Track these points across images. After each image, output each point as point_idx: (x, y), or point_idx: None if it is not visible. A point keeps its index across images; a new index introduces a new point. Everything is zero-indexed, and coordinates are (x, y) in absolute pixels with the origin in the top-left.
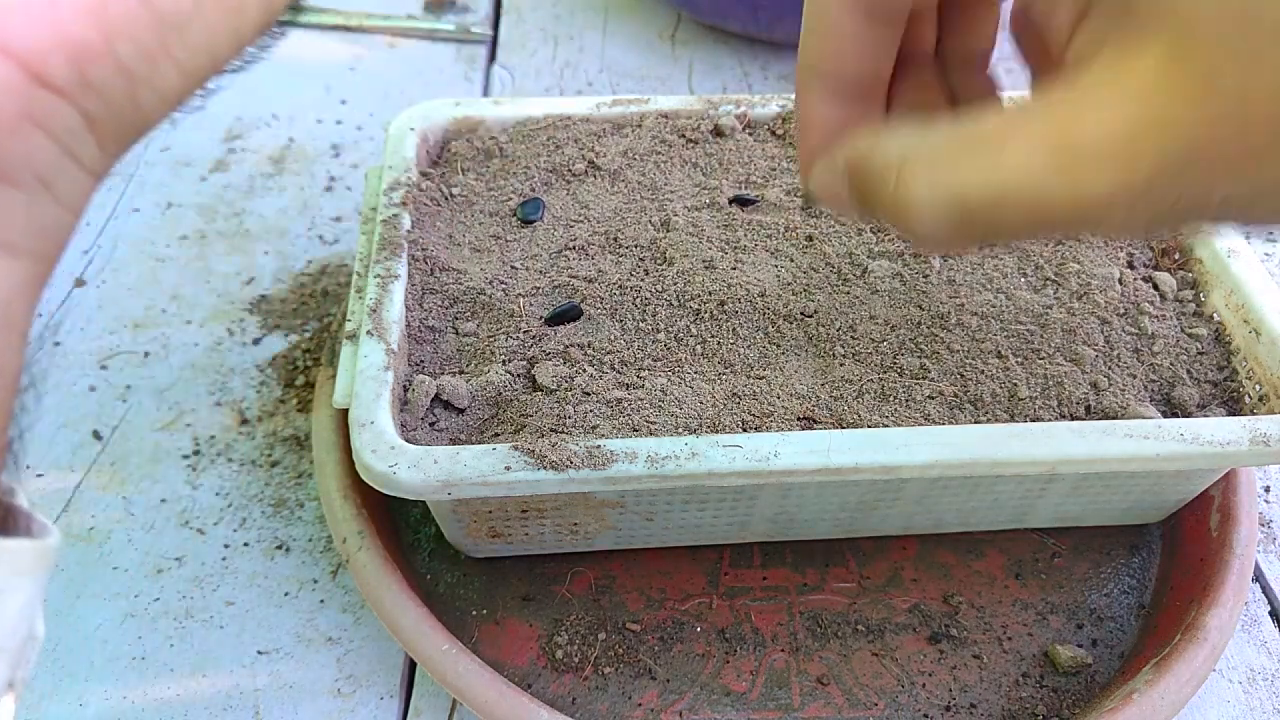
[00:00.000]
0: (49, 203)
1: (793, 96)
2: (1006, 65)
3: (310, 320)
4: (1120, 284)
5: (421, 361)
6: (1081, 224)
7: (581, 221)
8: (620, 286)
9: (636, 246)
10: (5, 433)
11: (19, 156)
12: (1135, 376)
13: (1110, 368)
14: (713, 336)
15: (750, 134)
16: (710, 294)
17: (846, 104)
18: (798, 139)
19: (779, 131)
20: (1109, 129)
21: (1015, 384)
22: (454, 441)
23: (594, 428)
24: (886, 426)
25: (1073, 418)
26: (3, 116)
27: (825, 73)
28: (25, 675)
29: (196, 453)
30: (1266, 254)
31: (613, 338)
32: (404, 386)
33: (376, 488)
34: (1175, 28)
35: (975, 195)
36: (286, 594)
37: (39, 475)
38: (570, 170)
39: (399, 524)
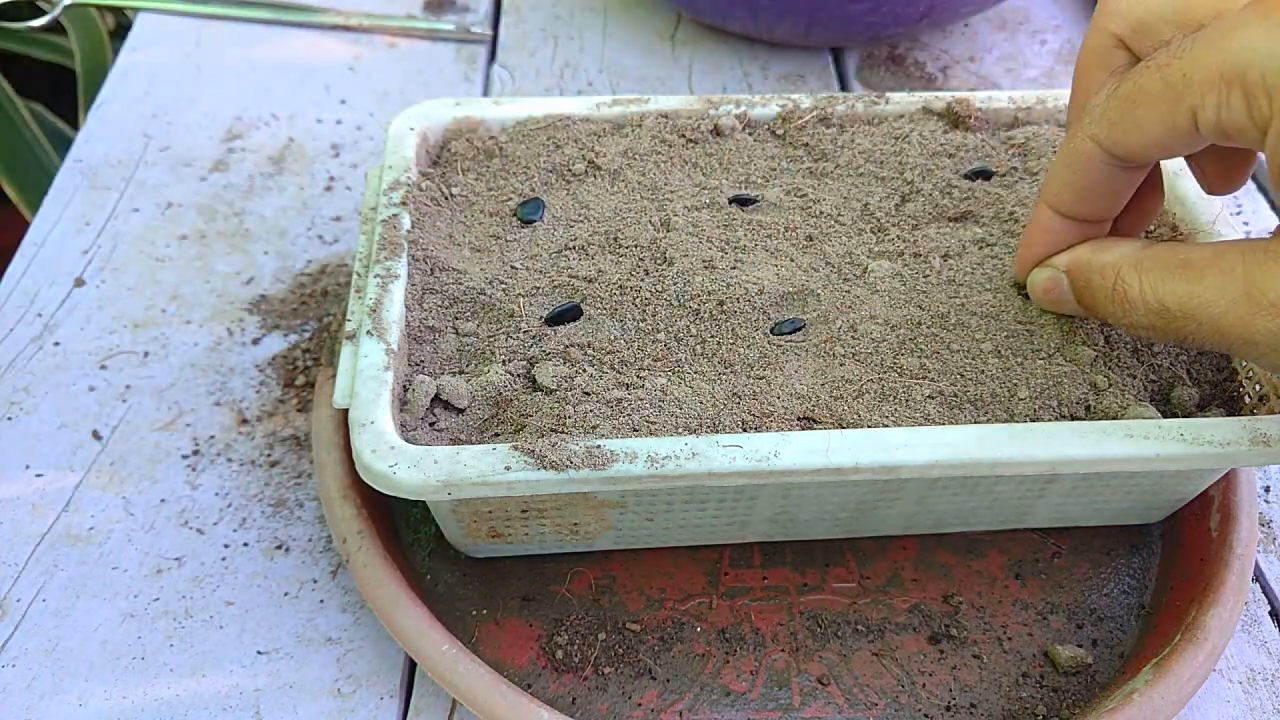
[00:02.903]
0: None
1: (793, 96)
2: (1007, 65)
3: (310, 320)
4: None
5: (421, 361)
6: (1246, 350)
7: (581, 221)
8: (620, 286)
9: (636, 246)
10: None
11: None
12: (1135, 376)
13: (1110, 368)
14: (713, 336)
15: (750, 134)
16: (710, 294)
17: (1076, 232)
18: (1021, 248)
19: (779, 131)
20: None
21: (1015, 384)
22: (454, 441)
23: (594, 428)
24: (886, 426)
25: (1073, 418)
26: None
27: (1068, 209)
28: None
29: (196, 453)
30: None
31: (613, 338)
32: (404, 386)
33: (376, 488)
34: None
35: (1175, 305)
36: (286, 594)
37: (39, 475)
38: (570, 170)
39: (399, 524)
